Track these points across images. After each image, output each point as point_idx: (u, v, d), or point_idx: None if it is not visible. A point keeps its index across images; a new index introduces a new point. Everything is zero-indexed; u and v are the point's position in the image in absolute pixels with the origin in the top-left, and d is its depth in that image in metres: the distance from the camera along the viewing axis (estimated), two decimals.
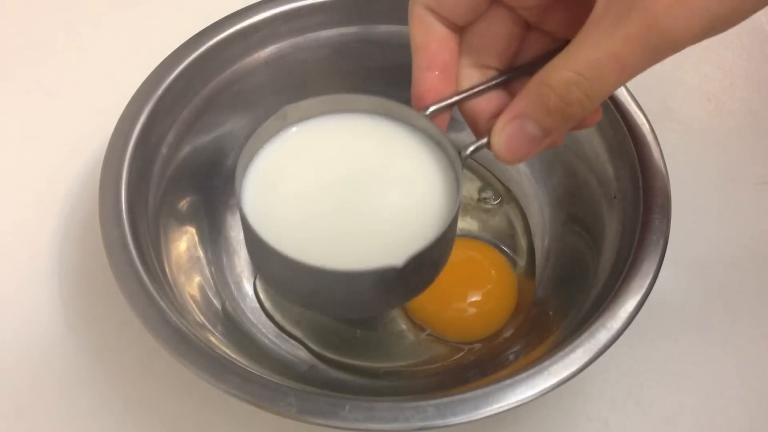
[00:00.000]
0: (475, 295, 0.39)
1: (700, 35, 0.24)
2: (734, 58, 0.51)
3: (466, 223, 0.43)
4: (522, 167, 0.44)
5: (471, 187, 0.44)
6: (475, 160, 0.45)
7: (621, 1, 0.23)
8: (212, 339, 0.32)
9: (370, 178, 0.29)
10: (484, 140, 0.28)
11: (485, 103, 0.29)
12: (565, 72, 0.25)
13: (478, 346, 0.38)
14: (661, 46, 0.23)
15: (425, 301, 0.39)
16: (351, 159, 0.30)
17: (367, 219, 0.28)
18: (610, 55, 0.24)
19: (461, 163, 0.28)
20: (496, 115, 0.28)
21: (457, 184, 0.29)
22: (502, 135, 0.27)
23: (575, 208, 0.41)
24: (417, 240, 0.27)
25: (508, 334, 0.39)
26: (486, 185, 0.44)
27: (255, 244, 0.27)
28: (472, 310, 0.39)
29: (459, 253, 0.41)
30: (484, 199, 0.44)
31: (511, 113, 0.27)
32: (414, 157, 0.30)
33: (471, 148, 0.28)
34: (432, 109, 0.29)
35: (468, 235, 0.42)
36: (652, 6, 0.23)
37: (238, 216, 0.42)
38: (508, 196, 0.44)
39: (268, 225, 0.27)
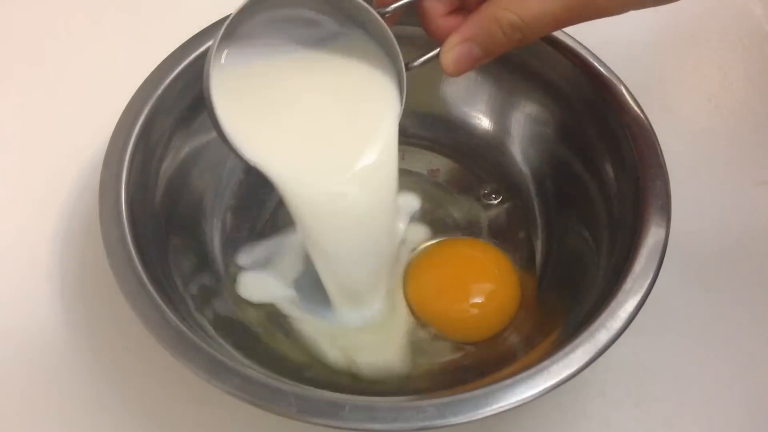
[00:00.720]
0: (478, 296, 0.39)
1: (630, 8, 0.31)
2: (734, 58, 0.51)
3: (468, 222, 0.43)
4: (522, 167, 0.44)
5: (473, 186, 0.44)
6: (481, 158, 0.45)
7: None
8: (212, 339, 0.32)
9: (325, 87, 0.34)
10: (434, 53, 0.33)
11: (439, 5, 0.33)
12: (513, 17, 0.31)
13: (479, 346, 0.38)
14: (592, 15, 0.30)
15: (430, 301, 0.39)
16: (308, 68, 0.34)
17: (316, 126, 0.33)
18: (551, 14, 0.30)
19: (405, 75, 0.33)
20: (446, 14, 0.33)
21: (400, 95, 0.33)
22: (451, 53, 0.32)
23: (575, 208, 0.41)
24: (359, 147, 0.33)
25: (508, 334, 0.39)
26: (486, 184, 0.44)
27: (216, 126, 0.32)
28: (475, 311, 0.39)
29: (462, 252, 0.41)
30: (485, 195, 0.44)
31: (461, 36, 0.32)
32: (366, 66, 0.34)
33: (420, 60, 0.33)
34: (393, 6, 0.32)
35: (471, 235, 0.42)
36: None
37: (237, 216, 0.42)
38: (508, 195, 0.44)
39: (226, 112, 0.31)
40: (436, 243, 0.42)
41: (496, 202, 0.44)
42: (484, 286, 0.39)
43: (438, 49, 0.33)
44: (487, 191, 0.44)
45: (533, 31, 0.31)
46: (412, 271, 0.40)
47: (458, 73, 0.33)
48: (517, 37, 0.31)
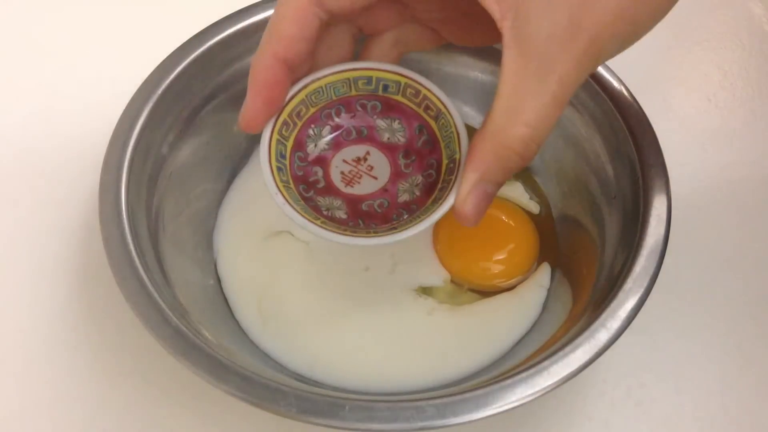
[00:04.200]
0: (501, 246, 0.40)
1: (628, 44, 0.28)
2: (734, 58, 0.51)
3: None
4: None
5: None
6: None
7: (539, 45, 0.25)
8: (212, 339, 0.32)
9: None
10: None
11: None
12: (521, 128, 0.26)
13: None
14: (587, 74, 0.27)
15: (461, 259, 0.40)
16: None
17: None
18: (551, 98, 0.26)
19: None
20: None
21: None
22: (468, 203, 0.28)
23: (575, 208, 0.41)
24: None
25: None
26: None
27: None
28: (501, 257, 0.40)
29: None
30: None
31: (471, 181, 0.28)
32: None
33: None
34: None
35: None
36: (573, 49, 0.25)
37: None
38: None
39: None
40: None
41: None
42: (504, 237, 0.41)
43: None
44: None
45: (544, 131, 0.26)
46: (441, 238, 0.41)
47: (479, 219, 0.28)
48: (533, 149, 0.27)
